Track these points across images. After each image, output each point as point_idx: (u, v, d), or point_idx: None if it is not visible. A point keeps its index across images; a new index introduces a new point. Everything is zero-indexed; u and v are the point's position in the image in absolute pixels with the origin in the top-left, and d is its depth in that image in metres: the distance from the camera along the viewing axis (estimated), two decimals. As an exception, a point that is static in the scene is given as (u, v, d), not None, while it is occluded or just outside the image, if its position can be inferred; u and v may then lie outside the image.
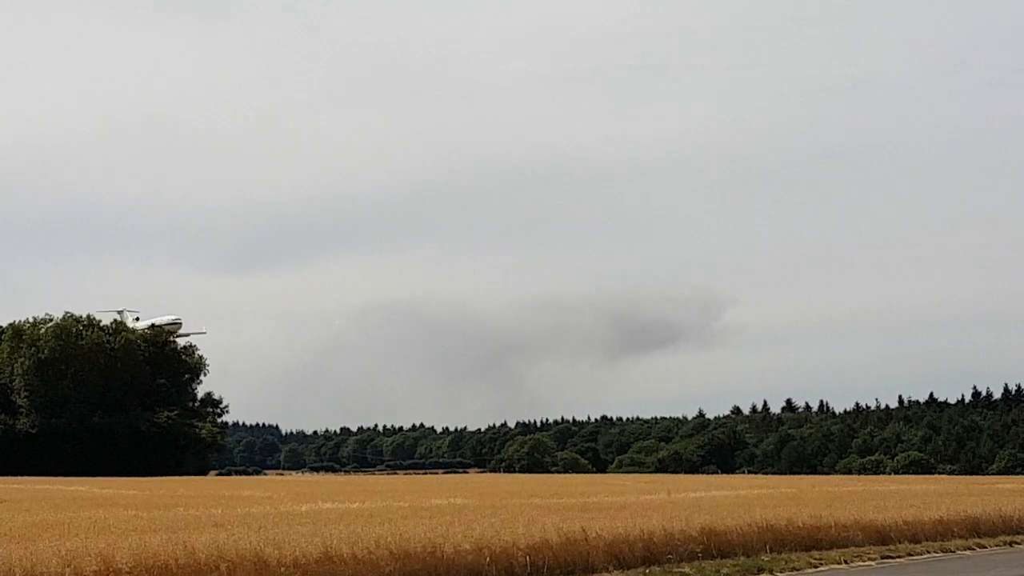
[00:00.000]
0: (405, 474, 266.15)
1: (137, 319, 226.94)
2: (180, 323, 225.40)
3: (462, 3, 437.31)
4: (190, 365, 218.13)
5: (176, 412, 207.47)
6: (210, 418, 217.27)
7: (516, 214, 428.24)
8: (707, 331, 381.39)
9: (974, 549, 52.68)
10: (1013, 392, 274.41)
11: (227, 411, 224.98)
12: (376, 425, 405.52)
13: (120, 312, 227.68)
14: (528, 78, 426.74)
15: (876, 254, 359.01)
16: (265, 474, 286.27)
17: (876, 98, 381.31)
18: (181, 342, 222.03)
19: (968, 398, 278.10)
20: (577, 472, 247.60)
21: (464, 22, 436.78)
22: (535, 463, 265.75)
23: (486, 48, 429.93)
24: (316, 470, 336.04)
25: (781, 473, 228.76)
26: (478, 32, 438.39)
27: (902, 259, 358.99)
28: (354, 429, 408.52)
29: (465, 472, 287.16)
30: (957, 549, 51.81)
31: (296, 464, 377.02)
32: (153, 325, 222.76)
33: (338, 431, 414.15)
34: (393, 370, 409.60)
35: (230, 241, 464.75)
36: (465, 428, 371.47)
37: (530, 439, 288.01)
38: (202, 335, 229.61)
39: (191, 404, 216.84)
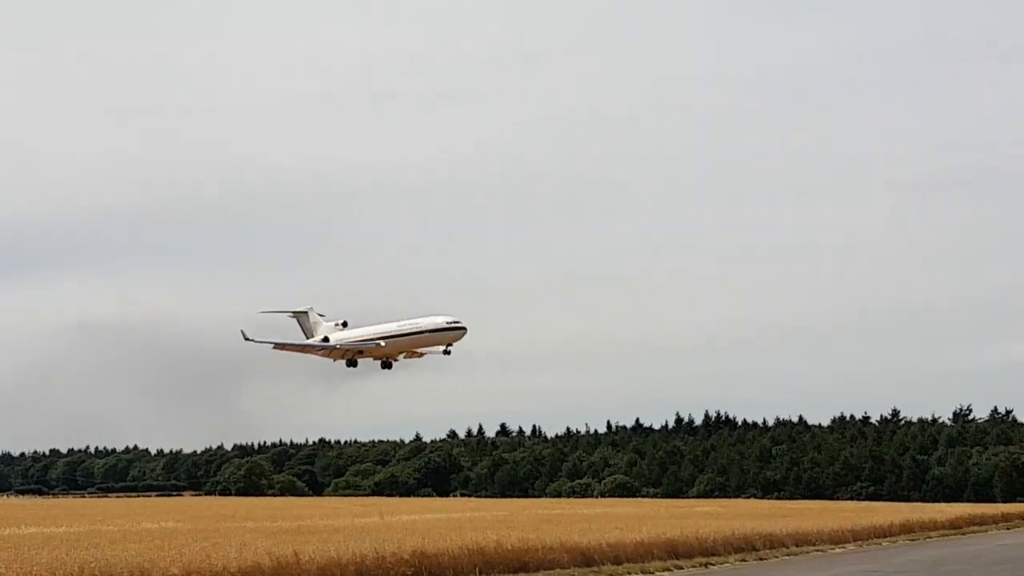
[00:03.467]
0: (117, 497, 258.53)
1: None
2: None
3: (211, 20, 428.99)
4: None
5: None
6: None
7: (238, 235, 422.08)
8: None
9: (672, 571, 55.09)
10: (713, 419, 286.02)
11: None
12: (88, 447, 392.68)
13: None
14: (287, 97, 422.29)
15: (590, 283, 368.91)
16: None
17: (603, 130, 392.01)
18: None
19: (672, 424, 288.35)
20: (294, 495, 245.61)
21: (214, 41, 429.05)
22: (251, 486, 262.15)
23: (230, 67, 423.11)
24: (22, 493, 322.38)
25: (494, 496, 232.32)
26: (225, 52, 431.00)
27: (615, 289, 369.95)
28: (64, 451, 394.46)
29: (179, 495, 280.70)
30: (656, 571, 54.07)
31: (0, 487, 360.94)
32: None
33: (47, 452, 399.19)
34: (107, 390, 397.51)
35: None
36: (181, 450, 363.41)
37: (247, 462, 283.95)
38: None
39: None
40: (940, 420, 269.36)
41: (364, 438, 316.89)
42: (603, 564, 53.28)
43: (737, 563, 61.01)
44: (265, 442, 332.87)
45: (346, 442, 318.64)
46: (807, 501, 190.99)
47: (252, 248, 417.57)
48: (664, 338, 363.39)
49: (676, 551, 60.11)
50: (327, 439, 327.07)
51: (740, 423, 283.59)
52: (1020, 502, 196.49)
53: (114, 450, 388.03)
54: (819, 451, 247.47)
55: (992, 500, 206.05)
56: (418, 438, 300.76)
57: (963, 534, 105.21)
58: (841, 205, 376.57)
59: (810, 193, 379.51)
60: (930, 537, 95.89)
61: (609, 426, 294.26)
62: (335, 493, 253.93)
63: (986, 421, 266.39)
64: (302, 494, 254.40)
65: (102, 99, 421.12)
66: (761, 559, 64.21)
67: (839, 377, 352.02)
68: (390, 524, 64.79)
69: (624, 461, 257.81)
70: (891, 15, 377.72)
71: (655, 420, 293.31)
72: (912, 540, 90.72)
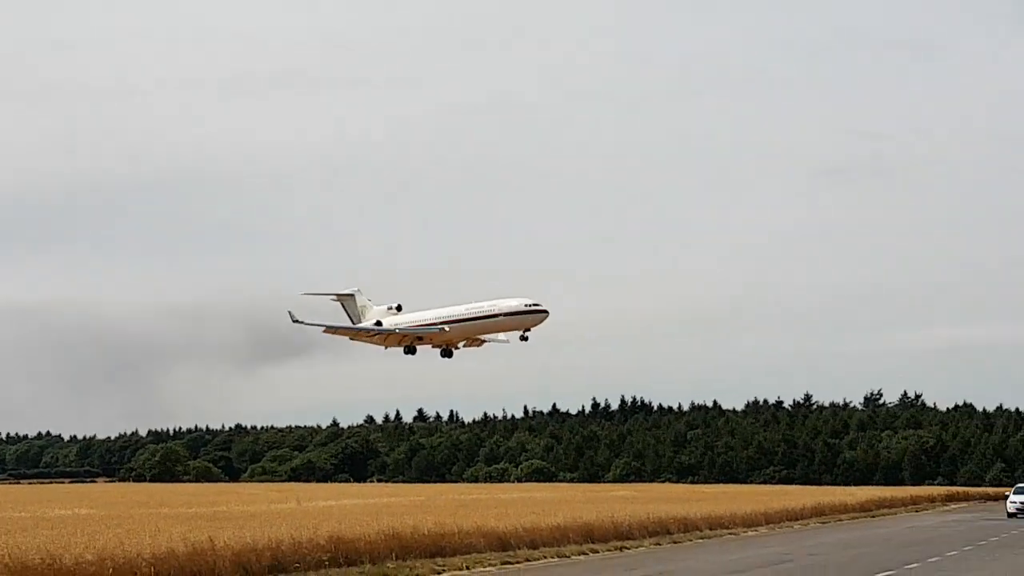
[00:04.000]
0: (29, 483, 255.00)
1: None
2: None
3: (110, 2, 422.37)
4: None
5: None
6: None
7: (151, 219, 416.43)
8: (343, 340, 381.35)
9: (587, 554, 55.57)
10: (629, 404, 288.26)
11: None
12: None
13: None
14: (185, 80, 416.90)
15: (513, 270, 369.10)
16: None
17: (516, 117, 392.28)
18: None
19: (588, 409, 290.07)
20: (209, 481, 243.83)
21: (112, 24, 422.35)
22: (166, 472, 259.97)
23: (142, 50, 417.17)
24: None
25: (411, 481, 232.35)
26: (130, 33, 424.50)
27: (533, 276, 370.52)
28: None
29: (93, 481, 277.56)
30: (572, 555, 54.52)
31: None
32: None
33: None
34: (17, 375, 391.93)
35: None
36: (95, 436, 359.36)
37: (162, 448, 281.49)
38: None
39: None
40: (851, 405, 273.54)
41: (281, 424, 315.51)
42: (519, 548, 53.63)
43: (652, 547, 61.71)
44: (180, 428, 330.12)
45: (262, 428, 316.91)
46: (721, 485, 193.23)
47: (171, 232, 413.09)
48: (580, 325, 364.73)
49: (592, 535, 60.67)
50: (243, 425, 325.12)
51: (656, 408, 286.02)
52: (929, 485, 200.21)
53: (26, 436, 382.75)
54: (733, 435, 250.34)
55: (901, 483, 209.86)
56: (335, 424, 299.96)
57: (873, 517, 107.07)
58: (753, 193, 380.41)
59: (722, 180, 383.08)
60: (841, 520, 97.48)
61: (526, 411, 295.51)
62: (251, 479, 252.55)
63: (896, 405, 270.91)
64: (218, 480, 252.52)
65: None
66: (675, 542, 64.98)
67: (753, 362, 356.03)
68: (307, 510, 64.76)
69: (541, 446, 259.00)
70: (801, 3, 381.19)
71: (572, 405, 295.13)
72: (823, 523, 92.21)
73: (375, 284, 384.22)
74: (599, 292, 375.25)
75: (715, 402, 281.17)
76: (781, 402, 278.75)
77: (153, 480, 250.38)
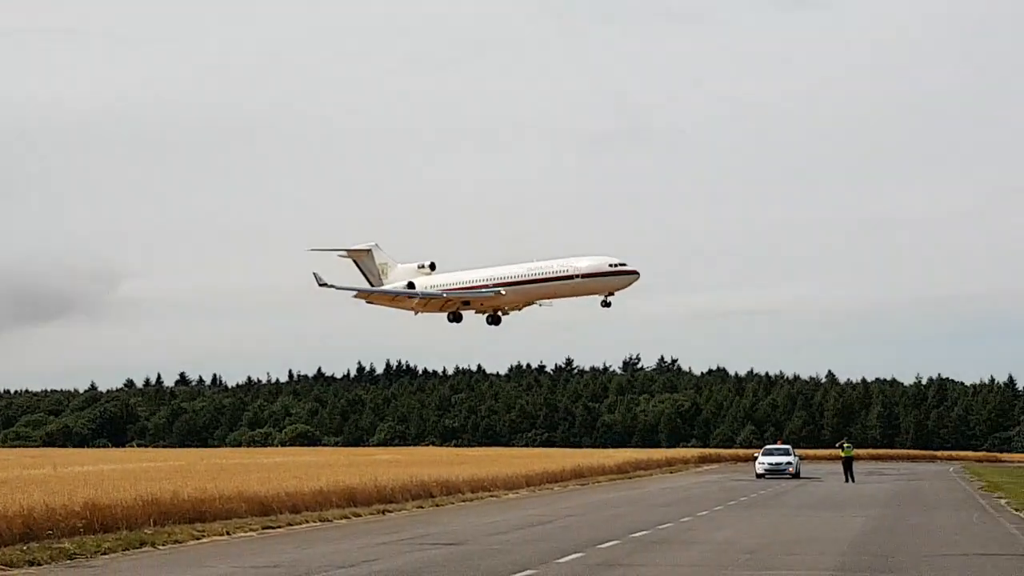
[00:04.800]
0: None
1: None
2: None
3: None
4: None
5: None
6: None
7: None
8: (101, 302, 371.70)
9: (350, 518, 55.83)
10: (394, 368, 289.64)
11: None
12: None
13: None
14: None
15: (277, 233, 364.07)
16: None
17: (283, 74, 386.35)
18: None
19: (353, 373, 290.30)
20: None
21: None
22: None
23: None
24: None
25: (173, 446, 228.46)
26: None
27: (300, 238, 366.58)
28: None
29: None
30: (334, 518, 54.69)
31: None
32: None
33: None
34: None
35: None
36: None
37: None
38: None
39: None
40: (611, 369, 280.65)
41: (36, 388, 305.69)
42: (281, 513, 53.50)
43: (414, 509, 62.35)
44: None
45: (16, 391, 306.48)
46: (484, 448, 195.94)
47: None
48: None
49: (355, 499, 60.87)
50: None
51: (421, 372, 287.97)
52: (683, 447, 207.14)
53: None
54: (496, 399, 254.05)
55: (658, 445, 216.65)
56: (93, 387, 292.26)
57: (630, 478, 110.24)
58: (512, 156, 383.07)
59: (484, 144, 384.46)
60: (599, 482, 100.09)
61: (291, 375, 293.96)
62: (3, 444, 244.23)
63: (653, 370, 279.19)
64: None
65: None
66: (438, 505, 65.77)
67: (515, 328, 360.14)
68: (63, 476, 63.17)
69: (305, 410, 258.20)
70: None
71: (337, 369, 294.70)
72: (582, 485, 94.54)
73: (131, 248, 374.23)
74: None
75: (479, 366, 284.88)
76: (543, 367, 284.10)
77: None
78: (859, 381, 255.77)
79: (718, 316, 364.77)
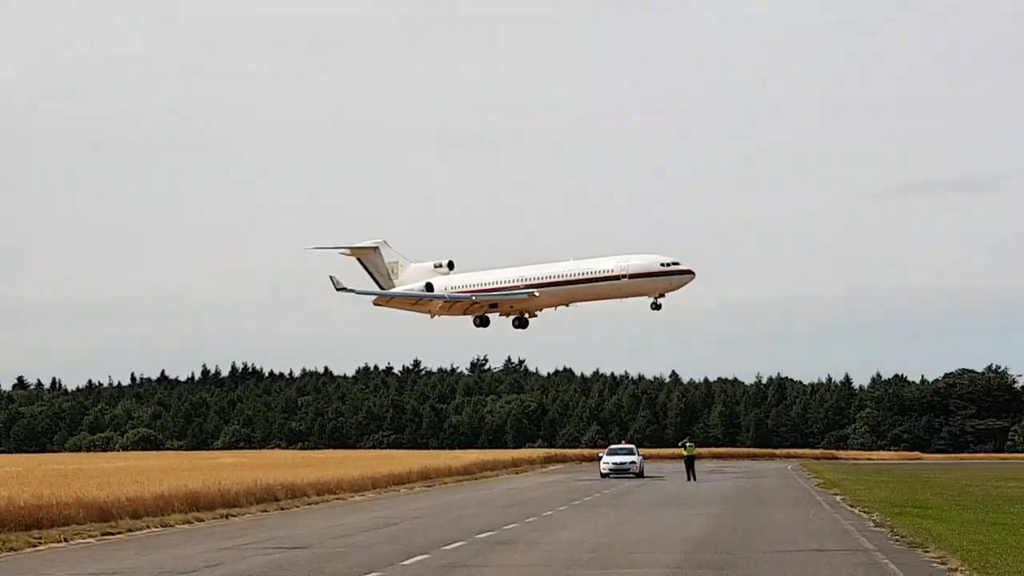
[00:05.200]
0: None
1: None
2: None
3: None
4: None
5: None
6: None
7: None
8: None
9: (192, 523, 55.09)
10: (240, 370, 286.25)
11: None
12: None
13: None
14: None
15: (133, 234, 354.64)
16: None
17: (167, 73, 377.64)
18: None
19: (198, 376, 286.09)
20: None
21: None
22: None
23: None
24: None
25: (10, 452, 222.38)
26: None
27: (143, 240, 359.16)
28: None
29: None
30: (176, 524, 53.93)
31: None
32: None
33: None
34: None
35: None
36: None
37: None
38: None
39: None
40: (459, 370, 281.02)
41: None
42: (121, 519, 52.53)
43: (258, 513, 61.76)
44: None
45: None
46: (331, 451, 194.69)
47: None
48: (195, 291, 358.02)
49: (198, 503, 60.03)
50: None
51: (267, 374, 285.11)
52: (529, 447, 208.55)
53: None
54: (343, 401, 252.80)
55: (504, 446, 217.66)
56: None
57: (476, 479, 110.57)
58: (386, 157, 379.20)
59: (359, 147, 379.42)
60: (446, 483, 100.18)
61: (133, 378, 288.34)
62: None
63: (500, 371, 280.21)
64: None
65: None
66: (283, 509, 65.24)
67: (362, 330, 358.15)
68: None
69: (148, 414, 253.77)
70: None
71: (181, 372, 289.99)
72: (428, 486, 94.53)
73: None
74: (219, 257, 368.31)
75: (326, 368, 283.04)
76: (391, 368, 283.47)
77: None
78: (702, 381, 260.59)
79: (563, 316, 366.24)
